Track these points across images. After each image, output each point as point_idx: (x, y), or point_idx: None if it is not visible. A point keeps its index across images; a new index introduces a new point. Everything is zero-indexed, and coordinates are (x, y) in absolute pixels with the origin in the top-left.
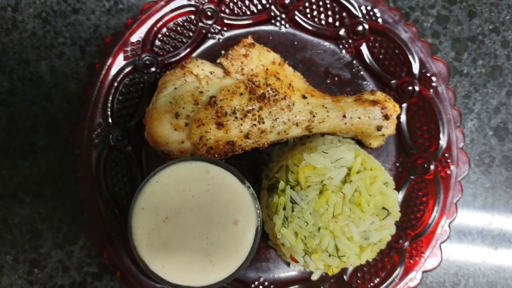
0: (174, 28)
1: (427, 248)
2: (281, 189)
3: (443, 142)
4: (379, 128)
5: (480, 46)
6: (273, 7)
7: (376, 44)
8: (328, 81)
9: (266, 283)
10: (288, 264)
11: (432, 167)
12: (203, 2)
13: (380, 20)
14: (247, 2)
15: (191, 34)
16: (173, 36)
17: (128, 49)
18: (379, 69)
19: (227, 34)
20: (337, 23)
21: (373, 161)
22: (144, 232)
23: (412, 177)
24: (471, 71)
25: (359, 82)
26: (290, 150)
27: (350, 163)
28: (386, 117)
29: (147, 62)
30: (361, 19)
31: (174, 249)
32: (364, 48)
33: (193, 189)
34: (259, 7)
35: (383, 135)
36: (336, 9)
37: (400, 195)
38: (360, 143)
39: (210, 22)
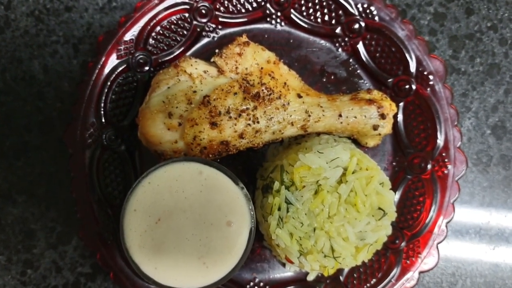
0: (168, 27)
1: (424, 248)
2: (276, 189)
3: (440, 141)
4: (375, 128)
5: (478, 44)
6: (268, 5)
7: (373, 42)
8: (324, 80)
9: (261, 284)
10: (283, 265)
11: (429, 166)
12: (197, 0)
13: (376, 17)
14: (242, 0)
15: (185, 32)
16: (167, 35)
17: (122, 47)
18: (376, 67)
19: (221, 32)
20: (333, 21)
21: (369, 161)
22: (136, 234)
23: (408, 176)
24: (469, 69)
25: (355, 81)
26: (285, 150)
27: (345, 163)
28: (383, 116)
29: (140, 60)
30: (357, 17)
31: (167, 251)
32: (360, 46)
33: (186, 190)
34: (254, 4)
35: (380, 134)
36: (332, 6)
37: (396, 195)
38: (356, 142)
39: (204, 20)
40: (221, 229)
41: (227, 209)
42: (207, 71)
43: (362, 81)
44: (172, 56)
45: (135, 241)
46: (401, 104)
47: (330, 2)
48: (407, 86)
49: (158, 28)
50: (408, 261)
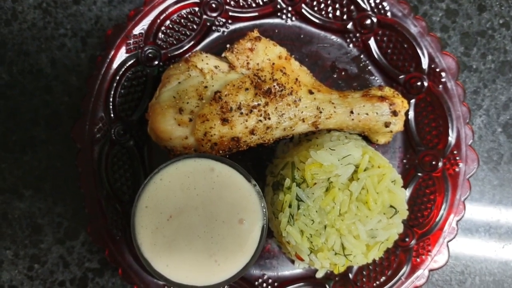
0: (177, 21)
1: (434, 246)
2: (287, 186)
3: (451, 139)
4: (387, 125)
5: (490, 41)
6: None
7: (384, 38)
8: (335, 76)
9: (270, 281)
10: (292, 262)
11: (440, 164)
12: None
13: (388, 13)
14: None
15: (195, 26)
16: (177, 29)
17: (131, 41)
18: (387, 63)
19: (231, 27)
20: (344, 16)
21: (381, 159)
22: (148, 231)
23: (419, 174)
24: (480, 66)
25: (366, 77)
26: (296, 146)
27: (357, 160)
28: (394, 113)
29: (150, 55)
30: (369, 13)
31: (178, 249)
32: (372, 42)
33: (197, 187)
34: None
35: (391, 131)
36: (344, 1)
37: (407, 193)
38: (366, 139)
39: (214, 14)
40: (233, 227)
41: (239, 207)
42: (218, 66)
43: (373, 77)
44: (181, 50)
45: (147, 238)
46: (413, 101)
47: None
48: (419, 83)
49: (168, 22)
50: (418, 259)
